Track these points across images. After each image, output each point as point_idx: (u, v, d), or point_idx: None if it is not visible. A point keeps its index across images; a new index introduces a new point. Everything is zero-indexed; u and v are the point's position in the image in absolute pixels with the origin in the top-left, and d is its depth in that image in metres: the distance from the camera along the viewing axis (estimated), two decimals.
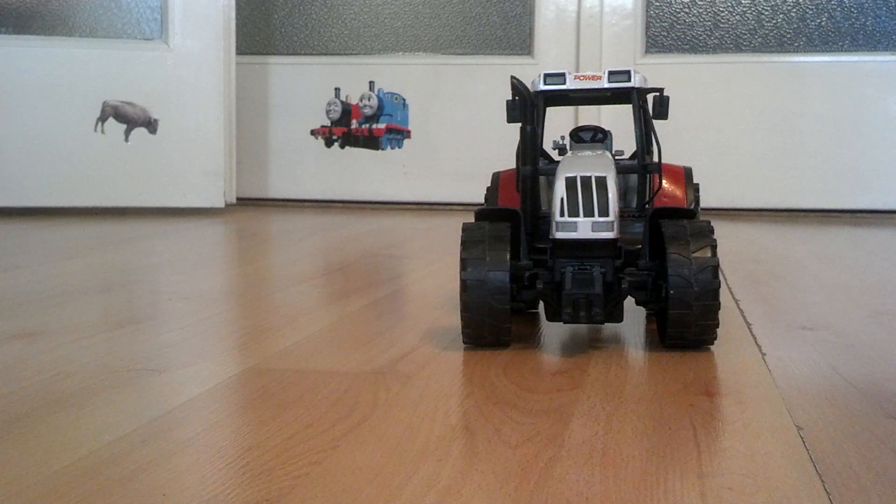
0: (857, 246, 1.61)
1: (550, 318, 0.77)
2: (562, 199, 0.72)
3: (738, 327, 0.87)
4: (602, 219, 0.72)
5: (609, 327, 0.86)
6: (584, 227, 0.72)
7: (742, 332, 0.85)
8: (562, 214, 0.72)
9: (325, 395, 0.63)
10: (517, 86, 0.78)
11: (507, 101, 0.81)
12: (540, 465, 0.49)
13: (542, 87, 0.81)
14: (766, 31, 2.25)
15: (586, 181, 0.72)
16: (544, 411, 0.59)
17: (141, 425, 0.56)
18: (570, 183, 0.72)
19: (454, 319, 0.88)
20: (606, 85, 0.81)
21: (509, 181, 0.87)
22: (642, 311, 0.92)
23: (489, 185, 0.90)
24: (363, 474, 0.48)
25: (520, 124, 0.79)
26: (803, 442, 0.53)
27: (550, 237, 0.73)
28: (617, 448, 0.52)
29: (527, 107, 0.78)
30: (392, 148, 2.42)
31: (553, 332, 0.84)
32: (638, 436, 0.54)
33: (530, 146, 0.79)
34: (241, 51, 2.31)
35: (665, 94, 0.81)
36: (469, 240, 0.75)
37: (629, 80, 0.80)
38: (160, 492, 0.45)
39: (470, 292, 0.73)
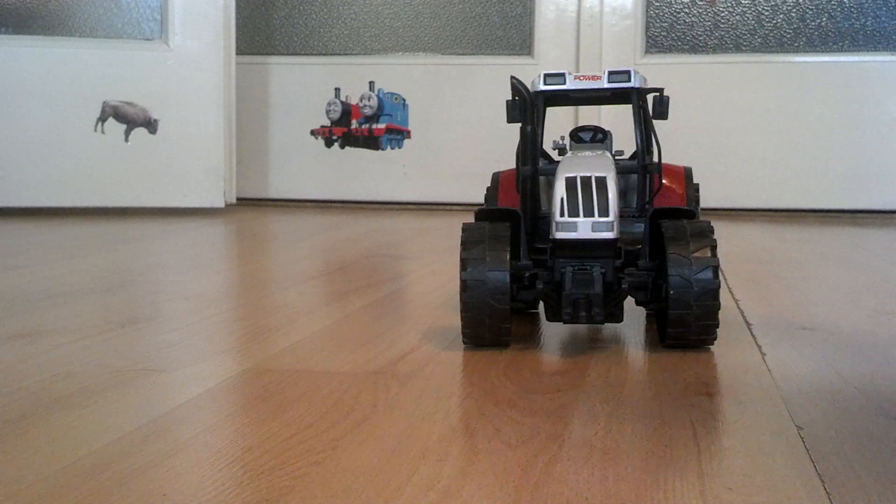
0: (857, 246, 1.61)
1: (550, 318, 0.77)
2: (562, 200, 0.72)
3: (738, 327, 0.87)
4: (602, 219, 0.72)
5: (609, 327, 0.86)
6: (584, 227, 0.72)
7: (742, 332, 0.84)
8: (562, 214, 0.72)
9: (325, 395, 0.63)
10: (517, 86, 0.78)
11: (507, 101, 0.81)
12: (540, 465, 0.49)
13: (542, 87, 0.81)
14: (766, 31, 2.25)
15: (586, 181, 0.72)
16: (544, 411, 0.59)
17: (141, 425, 0.56)
18: (570, 183, 0.72)
19: (454, 319, 0.88)
20: (606, 85, 0.81)
21: (509, 181, 0.87)
22: (642, 311, 0.92)
23: (489, 185, 0.90)
24: (363, 474, 0.48)
25: (520, 124, 0.79)
26: (803, 442, 0.53)
27: (550, 237, 0.73)
28: (617, 448, 0.52)
29: (527, 107, 0.78)
30: (392, 148, 2.42)
31: (553, 332, 0.84)
32: (638, 436, 0.54)
33: (530, 146, 0.79)
34: (241, 51, 2.31)
35: (665, 94, 0.81)
36: (469, 240, 0.75)
37: (629, 81, 0.80)
38: (160, 492, 0.45)
39: (470, 292, 0.73)
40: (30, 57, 2.08)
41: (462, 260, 0.74)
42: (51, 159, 2.09)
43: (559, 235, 0.72)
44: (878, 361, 0.74)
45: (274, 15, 2.46)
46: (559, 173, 0.74)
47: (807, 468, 0.49)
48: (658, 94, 0.81)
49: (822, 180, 2.22)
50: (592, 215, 0.72)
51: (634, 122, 0.82)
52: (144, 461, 0.49)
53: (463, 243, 0.75)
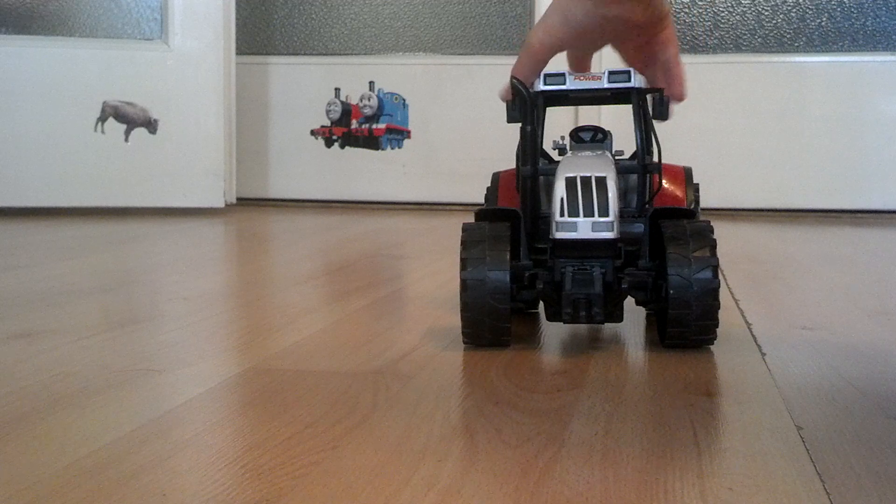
0: (857, 246, 1.61)
1: (550, 318, 0.77)
2: (562, 199, 0.72)
3: (738, 327, 0.87)
4: (602, 219, 0.72)
5: (609, 327, 0.86)
6: (584, 227, 0.72)
7: (742, 332, 0.84)
8: (562, 214, 0.72)
9: (325, 395, 0.63)
10: (517, 86, 0.78)
11: (507, 101, 0.81)
12: (540, 465, 0.49)
13: (542, 87, 0.81)
14: (766, 31, 2.25)
15: (586, 181, 0.72)
16: (544, 411, 0.59)
17: (141, 425, 0.56)
18: (570, 183, 0.72)
19: (454, 319, 0.88)
20: (606, 85, 0.80)
21: (509, 181, 0.87)
22: (642, 311, 0.92)
23: (489, 185, 0.90)
24: (363, 474, 0.48)
25: (520, 124, 0.79)
26: (803, 442, 0.53)
27: (550, 237, 0.73)
28: (617, 448, 0.52)
29: (527, 107, 0.78)
30: (392, 148, 2.42)
31: (553, 332, 0.84)
32: (638, 436, 0.54)
33: (530, 146, 0.79)
34: (241, 51, 2.31)
35: (665, 94, 0.81)
36: (469, 240, 0.75)
37: (629, 81, 0.80)
38: (160, 492, 0.45)
39: (470, 292, 0.73)
40: (30, 57, 2.08)
41: (462, 260, 0.74)
42: (51, 159, 2.09)
43: (559, 235, 0.72)
44: (878, 361, 0.74)
45: (274, 15, 2.46)
46: (559, 173, 0.74)
47: (807, 468, 0.49)
48: (658, 94, 0.81)
49: (822, 180, 2.22)
50: (592, 215, 0.72)
51: (634, 122, 0.82)
52: (144, 461, 0.49)
53: (463, 243, 0.75)
